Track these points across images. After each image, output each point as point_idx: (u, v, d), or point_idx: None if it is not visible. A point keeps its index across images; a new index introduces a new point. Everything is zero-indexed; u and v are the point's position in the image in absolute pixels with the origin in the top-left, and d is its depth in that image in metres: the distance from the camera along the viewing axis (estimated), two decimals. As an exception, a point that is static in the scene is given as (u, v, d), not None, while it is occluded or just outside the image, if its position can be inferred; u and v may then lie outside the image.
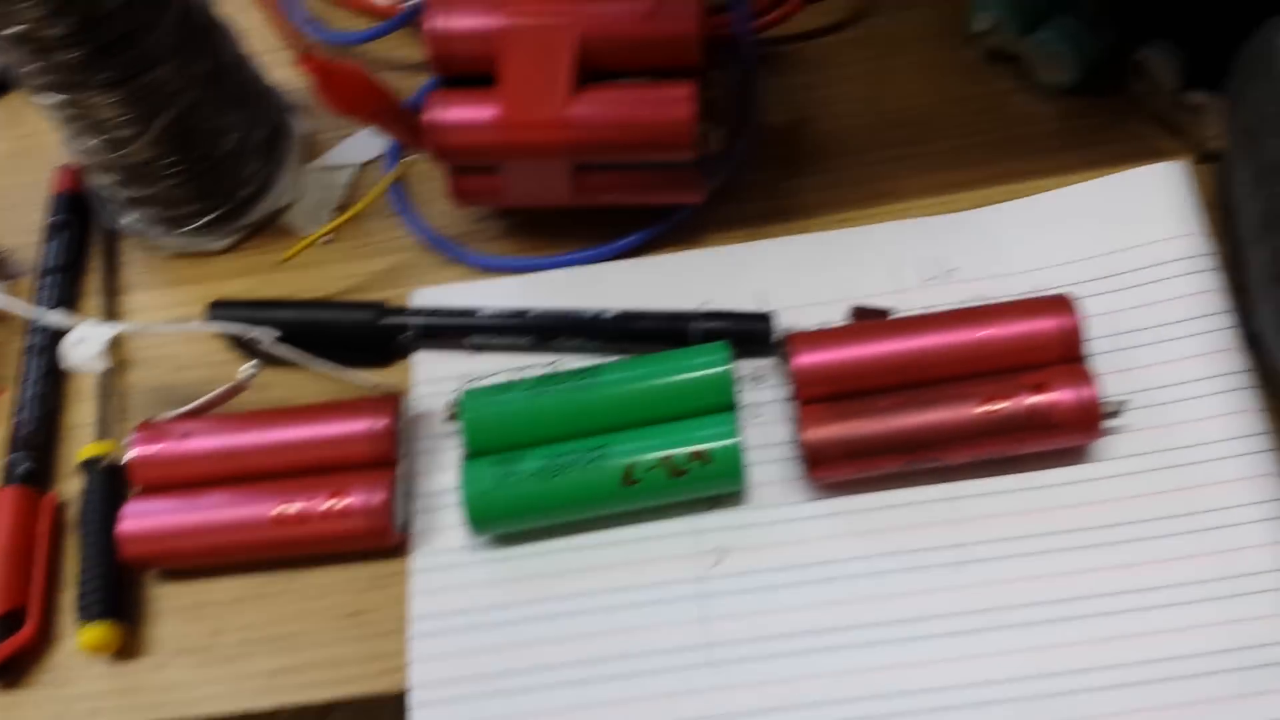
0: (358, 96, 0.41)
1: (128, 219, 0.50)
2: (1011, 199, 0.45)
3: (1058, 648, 0.37)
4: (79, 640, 0.42)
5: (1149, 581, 0.37)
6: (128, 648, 0.43)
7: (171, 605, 0.43)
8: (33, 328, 0.49)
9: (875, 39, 0.50)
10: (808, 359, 0.40)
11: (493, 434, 0.42)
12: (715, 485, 0.40)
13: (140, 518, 0.43)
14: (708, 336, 0.43)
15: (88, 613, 0.42)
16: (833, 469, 0.39)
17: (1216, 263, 0.41)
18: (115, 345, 0.48)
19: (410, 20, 0.51)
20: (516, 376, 0.44)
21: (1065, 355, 0.39)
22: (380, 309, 0.46)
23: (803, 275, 0.44)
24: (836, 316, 0.43)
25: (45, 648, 0.43)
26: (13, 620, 0.42)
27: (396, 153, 0.50)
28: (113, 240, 0.52)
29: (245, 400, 0.45)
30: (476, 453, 0.42)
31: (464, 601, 0.41)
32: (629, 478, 0.40)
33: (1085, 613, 0.37)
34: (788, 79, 0.50)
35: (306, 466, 0.43)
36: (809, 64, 0.50)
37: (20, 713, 0.42)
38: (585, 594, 0.40)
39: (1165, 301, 0.41)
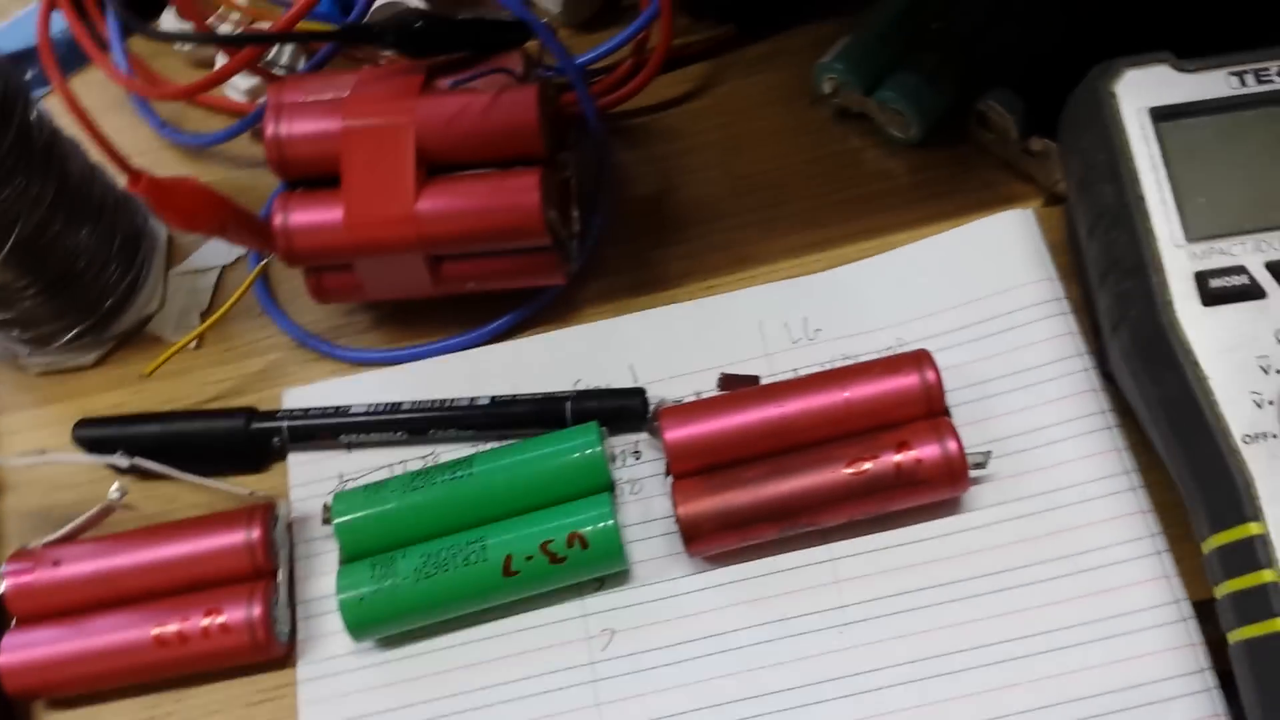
0: (197, 210, 0.39)
1: (-12, 343, 0.48)
2: (870, 254, 0.44)
3: (948, 701, 0.36)
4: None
5: (1033, 628, 0.36)
6: (6, 790, 0.40)
7: (55, 737, 0.41)
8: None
9: (726, 106, 0.50)
10: (679, 433, 0.39)
11: (368, 536, 0.40)
12: (596, 568, 0.39)
13: (20, 650, 0.40)
14: (582, 416, 0.42)
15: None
16: (710, 542, 0.38)
17: (1071, 305, 0.41)
18: (-16, 472, 0.46)
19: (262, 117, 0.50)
20: (391, 473, 0.43)
21: (928, 410, 0.38)
22: (250, 414, 0.44)
23: (672, 346, 0.43)
24: (709, 384, 0.42)
25: (-81, 799, 0.41)
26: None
27: (258, 254, 0.49)
28: (-25, 365, 0.50)
29: (120, 517, 0.43)
30: (352, 556, 0.40)
31: (353, 709, 0.39)
32: (509, 569, 0.38)
33: (973, 664, 0.36)
34: (642, 151, 0.49)
35: (183, 584, 0.41)
36: (663, 135, 0.49)
37: None
38: (477, 690, 0.39)
39: (1023, 347, 0.40)
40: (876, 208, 0.46)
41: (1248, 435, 0.32)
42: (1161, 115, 0.37)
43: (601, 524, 0.39)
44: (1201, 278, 0.34)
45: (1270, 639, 0.31)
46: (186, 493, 0.44)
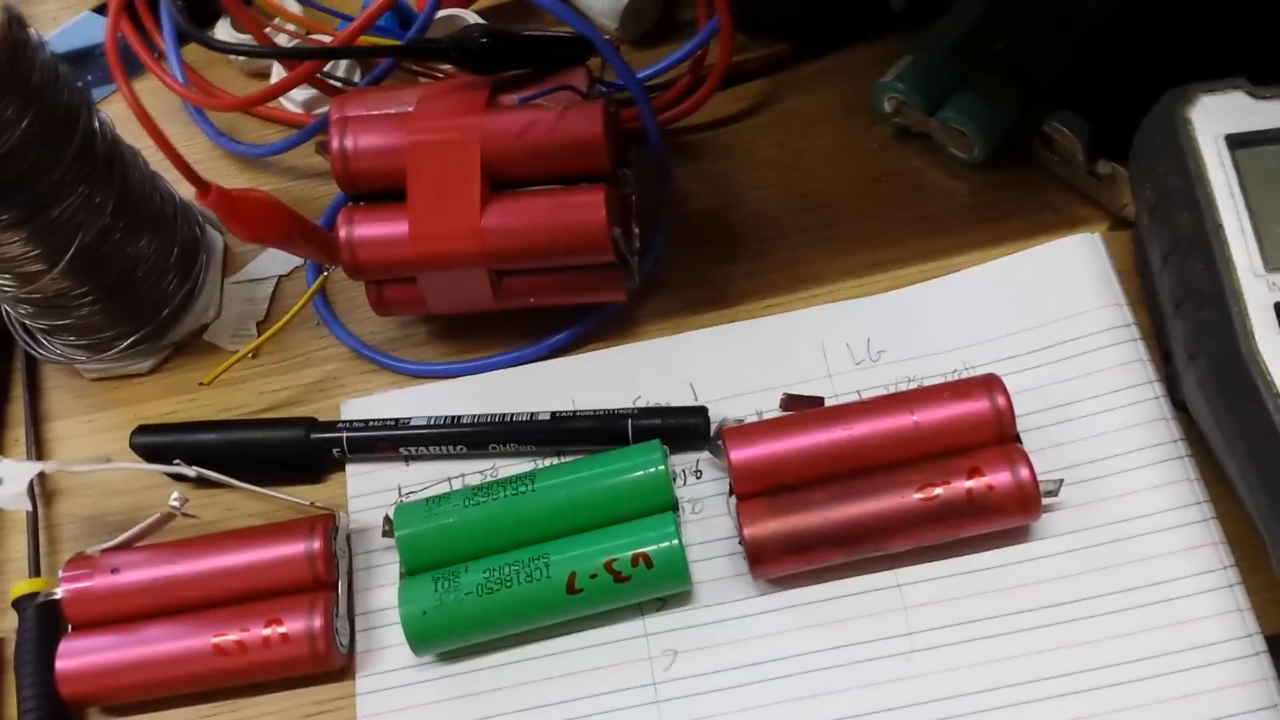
0: (264, 221, 0.39)
1: (48, 348, 0.48)
2: (933, 276, 0.43)
3: (1015, 732, 0.36)
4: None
5: (1103, 660, 0.36)
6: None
7: (113, 744, 0.41)
8: (-48, 467, 0.46)
9: (784, 123, 0.49)
10: (744, 453, 0.38)
11: (429, 550, 0.39)
12: (660, 588, 0.38)
13: (77, 656, 0.40)
14: (644, 434, 0.41)
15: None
16: (775, 565, 0.38)
17: (1140, 332, 0.40)
18: (41, 479, 0.46)
19: (322, 128, 0.49)
20: (451, 487, 0.42)
21: (999, 436, 0.38)
22: (310, 425, 0.44)
23: (734, 364, 0.43)
24: (770, 404, 0.42)
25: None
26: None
27: (316, 265, 0.48)
28: (33, 368, 0.49)
29: (179, 524, 0.43)
30: (414, 570, 0.39)
31: (413, 723, 0.39)
32: (572, 586, 0.38)
33: (1041, 695, 0.36)
34: (701, 167, 0.48)
35: (243, 593, 0.40)
36: (721, 151, 0.49)
37: None
38: (537, 707, 0.38)
39: (1092, 374, 0.40)
40: (938, 229, 0.45)
41: (1330, 468, 0.32)
42: (1237, 142, 0.36)
43: (666, 544, 0.38)
44: (1282, 308, 0.33)
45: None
46: (243, 501, 0.44)
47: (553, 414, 0.42)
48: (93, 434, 0.47)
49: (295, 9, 0.53)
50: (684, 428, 0.41)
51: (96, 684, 0.40)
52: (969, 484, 0.36)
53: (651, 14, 0.52)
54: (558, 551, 0.38)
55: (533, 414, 0.42)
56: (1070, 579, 0.37)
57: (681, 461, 0.42)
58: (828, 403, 0.41)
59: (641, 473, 0.39)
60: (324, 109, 0.51)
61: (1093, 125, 0.42)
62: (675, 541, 0.38)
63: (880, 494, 0.37)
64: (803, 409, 0.40)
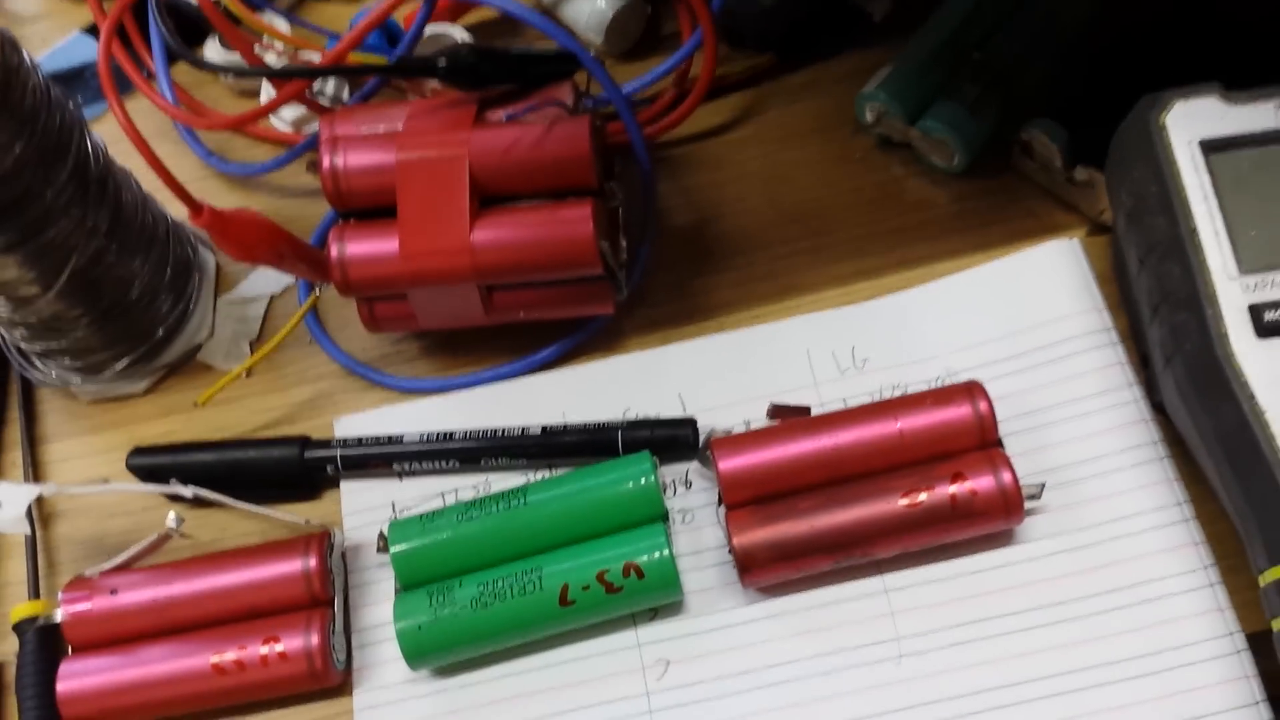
0: (256, 241, 0.40)
1: (44, 371, 0.48)
2: (916, 284, 0.44)
3: (1004, 733, 0.36)
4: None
5: (1087, 660, 0.36)
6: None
7: (113, 765, 0.41)
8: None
9: (768, 135, 0.50)
10: (732, 463, 0.39)
11: (423, 565, 0.40)
12: (652, 598, 0.39)
13: (78, 678, 0.40)
14: (634, 445, 0.42)
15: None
16: (765, 573, 0.38)
17: (1119, 335, 0.41)
18: (39, 502, 0.46)
19: (311, 147, 0.50)
20: (445, 501, 0.43)
21: (981, 441, 0.38)
22: (303, 443, 0.44)
23: (720, 375, 0.43)
24: (758, 413, 0.42)
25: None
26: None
27: (307, 283, 0.49)
28: (29, 391, 0.49)
29: (176, 544, 0.43)
30: (408, 585, 0.40)
31: (411, 738, 0.39)
32: (565, 598, 0.38)
33: (1028, 696, 0.36)
34: (686, 179, 0.49)
35: (240, 612, 0.41)
36: (705, 163, 0.49)
37: None
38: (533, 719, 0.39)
39: (1072, 378, 0.40)
40: (921, 236, 0.46)
41: (1306, 468, 0.32)
42: (1212, 147, 0.37)
43: (657, 554, 0.39)
44: (1256, 310, 0.34)
45: (1331, 672, 0.31)
46: (239, 521, 0.45)
47: (544, 428, 0.43)
48: (90, 455, 0.48)
49: (284, 27, 0.53)
50: (673, 438, 0.42)
51: (97, 705, 0.40)
52: (952, 489, 0.37)
53: (636, 28, 0.52)
54: (550, 564, 0.39)
55: (524, 428, 0.43)
56: (1054, 581, 0.38)
57: (671, 472, 0.42)
58: (814, 411, 0.41)
59: (631, 484, 0.40)
60: (314, 127, 0.52)
61: (1070, 132, 0.43)
62: (666, 552, 0.38)
63: (866, 501, 0.38)
64: (790, 418, 0.41)
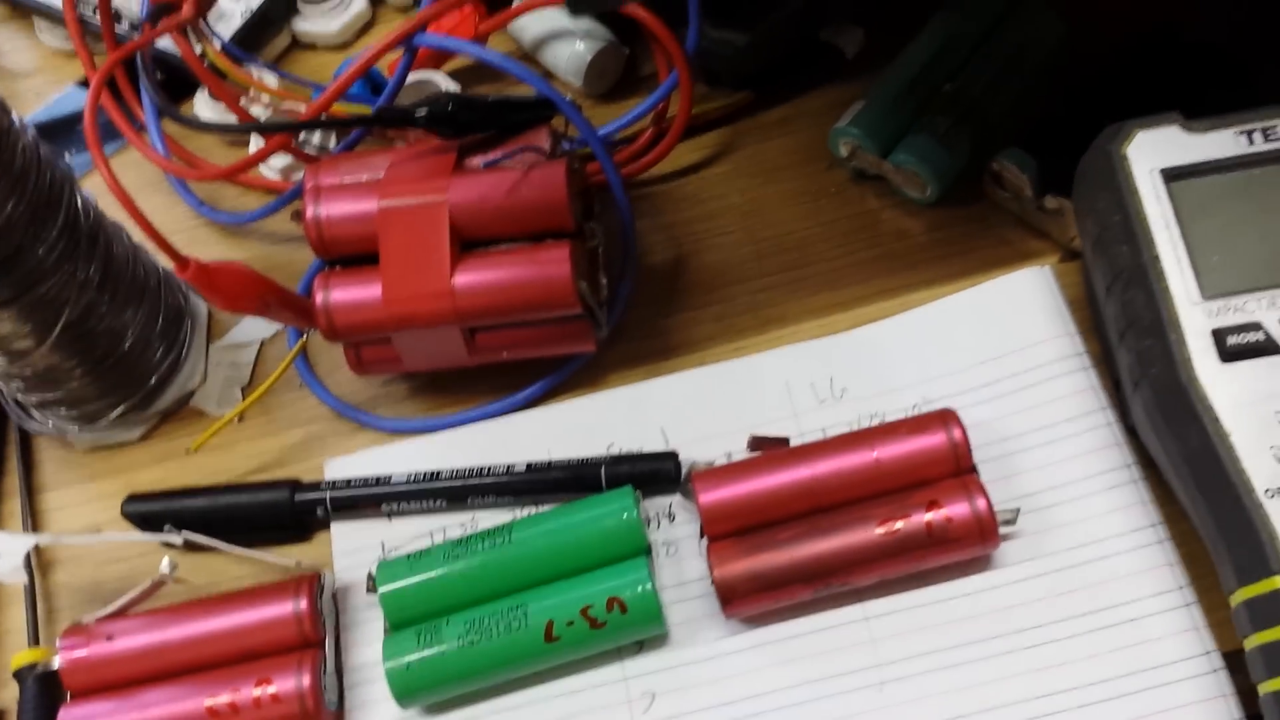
0: (242, 292, 0.40)
1: (40, 421, 0.49)
2: (894, 313, 0.45)
3: (986, 757, 0.37)
4: None
5: (1067, 683, 0.37)
6: None
7: (109, 812, 0.42)
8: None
9: (746, 170, 0.50)
10: (713, 496, 0.40)
11: (411, 604, 0.41)
12: (636, 632, 0.39)
13: (75, 724, 0.41)
14: (617, 480, 0.42)
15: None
16: (746, 603, 0.39)
17: (1091, 360, 0.41)
18: (37, 551, 0.47)
19: (299, 195, 0.51)
20: (433, 540, 0.44)
21: (955, 468, 0.39)
22: (294, 486, 0.45)
23: (702, 408, 0.44)
24: (739, 444, 0.43)
25: None
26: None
27: (296, 328, 0.49)
28: (26, 441, 0.50)
29: (170, 589, 0.44)
30: (397, 625, 0.41)
31: (401, 776, 0.40)
32: (550, 634, 0.39)
33: (1009, 720, 0.37)
34: (666, 216, 0.50)
35: (233, 655, 0.41)
36: (685, 200, 0.50)
37: None
38: (520, 756, 0.39)
39: (1047, 403, 0.41)
40: (897, 267, 0.46)
41: (1270, 489, 0.33)
42: (1173, 175, 0.37)
43: (640, 588, 0.39)
44: (1219, 335, 0.35)
45: (1301, 690, 0.31)
46: (233, 564, 0.45)
47: (529, 465, 0.44)
48: (87, 503, 0.49)
49: (270, 79, 0.54)
50: (655, 472, 0.42)
51: (96, 750, 0.41)
52: (928, 516, 0.38)
53: (615, 70, 0.53)
54: (535, 601, 0.40)
55: (509, 466, 0.44)
56: (1032, 605, 0.38)
57: (655, 505, 0.43)
58: (793, 442, 0.42)
59: (614, 519, 0.40)
60: (302, 174, 0.53)
61: (1040, 161, 0.44)
62: (648, 585, 0.39)
63: (844, 530, 0.38)
64: (769, 449, 0.41)
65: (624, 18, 0.46)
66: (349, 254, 0.43)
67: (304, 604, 0.41)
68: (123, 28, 0.57)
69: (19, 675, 0.43)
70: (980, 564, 0.39)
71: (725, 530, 0.40)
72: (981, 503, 0.38)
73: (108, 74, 0.42)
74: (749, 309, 0.47)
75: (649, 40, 0.47)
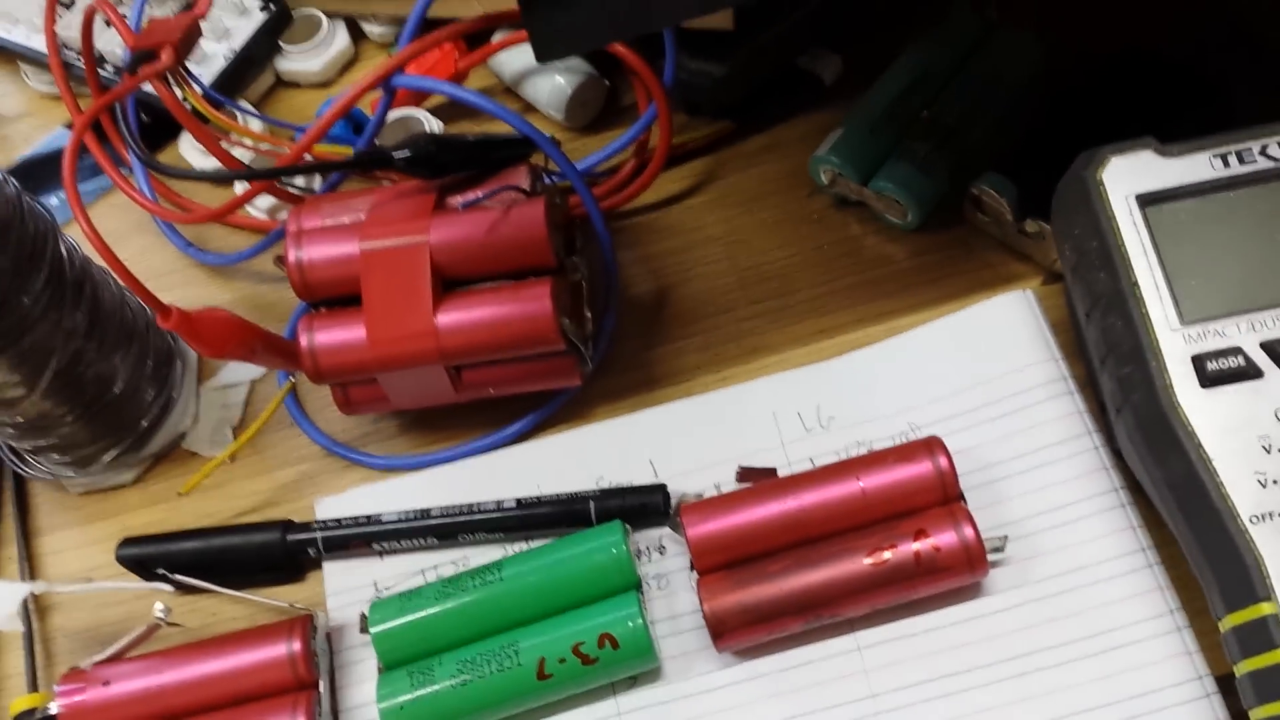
0: (225, 339, 0.40)
1: (34, 467, 0.49)
2: (878, 339, 0.44)
3: (981, 786, 0.36)
4: None
5: (1059, 710, 0.36)
6: None
7: None
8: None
9: (728, 199, 0.50)
10: (701, 529, 0.39)
11: (404, 644, 0.40)
12: (627, 667, 0.39)
13: (77, 768, 0.40)
14: (606, 514, 0.42)
15: None
16: (737, 637, 0.38)
17: (1076, 384, 0.41)
18: (34, 597, 0.46)
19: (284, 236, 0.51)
20: (425, 578, 0.43)
21: (943, 496, 0.38)
22: (285, 526, 0.45)
23: (689, 439, 0.44)
24: (727, 475, 0.42)
25: None
26: None
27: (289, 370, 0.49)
28: (21, 486, 0.50)
29: (165, 632, 0.43)
30: (390, 664, 0.40)
31: (398, 817, 0.39)
32: (542, 672, 0.38)
33: (1002, 749, 0.36)
34: (649, 247, 0.49)
35: (229, 698, 0.41)
36: (668, 230, 0.50)
37: None
38: (515, 795, 0.39)
39: (1033, 428, 0.40)
40: (880, 292, 0.46)
41: (1255, 515, 0.32)
42: (1148, 200, 0.37)
43: (630, 624, 0.39)
44: (1198, 360, 0.34)
45: (1291, 716, 0.31)
46: (228, 605, 0.45)
47: (519, 500, 0.43)
48: (82, 546, 0.48)
49: (252, 122, 0.54)
50: (644, 505, 0.42)
51: (96, 795, 0.40)
52: (916, 546, 0.37)
53: (596, 102, 0.53)
54: (527, 638, 0.39)
55: (499, 502, 0.43)
56: (1022, 632, 0.37)
57: (645, 538, 0.42)
58: (781, 472, 0.42)
59: (604, 554, 0.40)
60: (287, 212, 0.52)
61: (1019, 186, 0.44)
62: (639, 621, 0.39)
63: (832, 561, 0.38)
64: (757, 480, 0.41)
65: (603, 50, 0.46)
66: (332, 296, 0.43)
67: (297, 645, 0.41)
68: (107, 71, 0.57)
69: (22, 720, 0.43)
70: (971, 591, 0.38)
71: (715, 563, 0.39)
72: (969, 531, 0.37)
73: (86, 126, 0.42)
74: (734, 338, 0.46)
75: (628, 72, 0.47)
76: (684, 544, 0.41)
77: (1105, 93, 0.44)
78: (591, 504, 0.42)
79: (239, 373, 0.51)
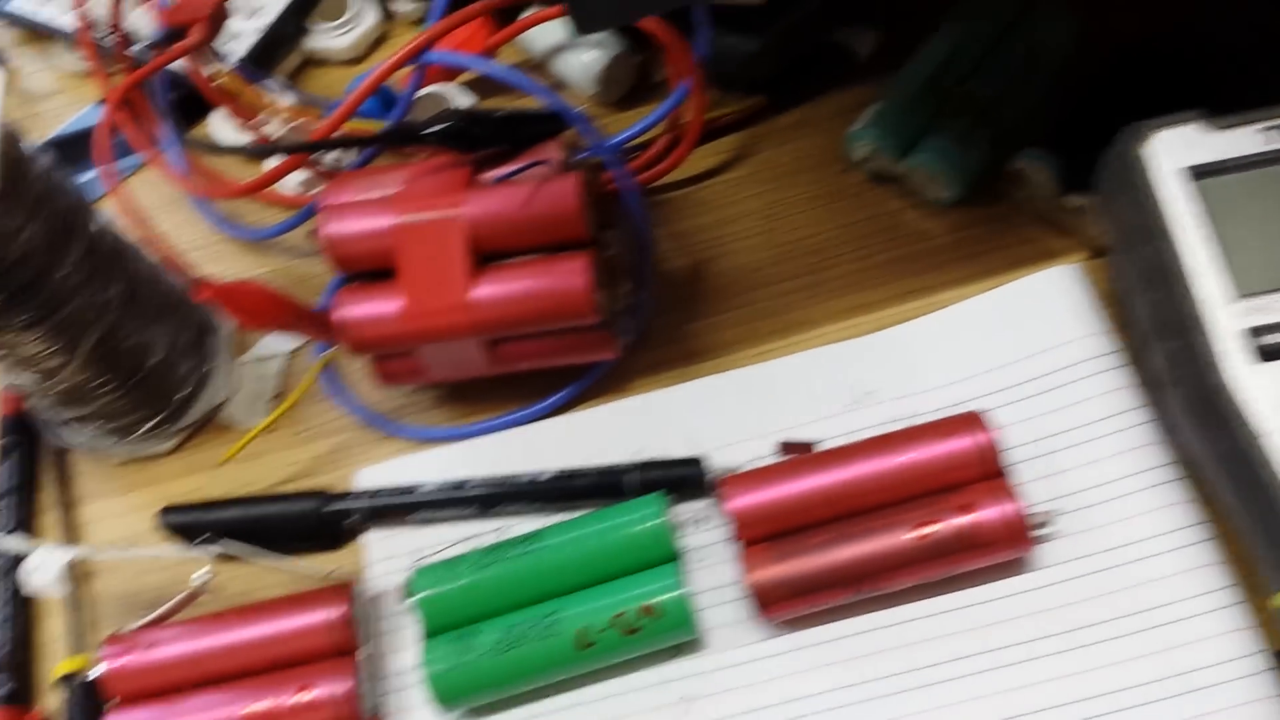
0: (262, 311, 0.39)
1: (72, 436, 0.48)
2: (917, 315, 0.43)
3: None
4: None
5: (1111, 685, 0.35)
6: None
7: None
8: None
9: (762, 175, 0.48)
10: (742, 501, 0.38)
11: (447, 611, 0.39)
12: (669, 637, 0.38)
13: (122, 730, 0.39)
14: (646, 486, 0.40)
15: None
16: (781, 608, 0.37)
17: (1124, 358, 0.39)
18: (75, 563, 0.45)
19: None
20: (464, 548, 0.42)
21: (985, 472, 0.37)
22: (324, 497, 0.43)
23: (728, 413, 0.42)
24: (766, 449, 0.41)
25: None
26: None
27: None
28: (62, 455, 0.49)
29: (207, 598, 0.42)
30: (434, 631, 0.39)
31: (441, 782, 0.38)
32: (584, 642, 0.37)
33: (1053, 723, 0.35)
34: (684, 222, 0.48)
35: (272, 663, 0.40)
36: (703, 205, 0.48)
37: None
38: (559, 762, 0.38)
39: (1081, 402, 0.39)
40: (920, 268, 0.44)
41: (1309, 490, 0.31)
42: (1198, 174, 0.35)
43: (671, 594, 0.37)
44: (1253, 334, 0.33)
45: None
46: (267, 573, 0.43)
47: (557, 473, 0.42)
48: (122, 515, 0.47)
49: (283, 97, 0.52)
50: (682, 478, 0.41)
51: (140, 757, 0.39)
52: (959, 521, 0.36)
53: (627, 77, 0.51)
54: (568, 608, 0.38)
55: (538, 473, 0.42)
56: (1074, 607, 0.36)
57: (685, 511, 0.41)
58: (821, 446, 0.40)
59: (645, 525, 0.39)
60: (320, 187, 0.51)
61: (1062, 160, 0.42)
62: (681, 591, 0.37)
63: (876, 535, 0.37)
64: (797, 454, 0.40)
65: (634, 26, 0.44)
66: (366, 269, 0.41)
67: (341, 611, 0.40)
68: (138, 48, 0.55)
69: (62, 683, 0.42)
70: (1019, 566, 0.37)
71: (757, 535, 0.38)
72: (1012, 507, 0.36)
73: (120, 99, 0.41)
74: (771, 313, 0.45)
75: (660, 47, 0.45)
76: (723, 517, 0.40)
77: (1146, 67, 0.42)
78: (630, 476, 0.41)
79: (275, 345, 0.49)
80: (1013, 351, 0.40)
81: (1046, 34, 0.45)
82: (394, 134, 0.44)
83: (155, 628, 0.41)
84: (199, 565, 0.43)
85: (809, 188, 0.47)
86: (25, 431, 0.49)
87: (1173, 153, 0.36)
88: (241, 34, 0.55)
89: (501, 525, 0.42)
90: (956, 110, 0.44)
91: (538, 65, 0.53)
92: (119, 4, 0.46)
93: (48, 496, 0.48)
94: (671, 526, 0.39)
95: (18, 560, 0.44)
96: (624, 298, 0.43)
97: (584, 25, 0.37)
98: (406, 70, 0.45)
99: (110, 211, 0.44)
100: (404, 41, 0.53)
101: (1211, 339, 0.33)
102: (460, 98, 0.52)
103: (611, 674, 0.39)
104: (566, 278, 0.40)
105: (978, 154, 0.44)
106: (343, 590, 0.40)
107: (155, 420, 0.47)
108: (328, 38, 0.56)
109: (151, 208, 0.52)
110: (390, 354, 0.43)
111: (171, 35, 0.45)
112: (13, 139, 0.39)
